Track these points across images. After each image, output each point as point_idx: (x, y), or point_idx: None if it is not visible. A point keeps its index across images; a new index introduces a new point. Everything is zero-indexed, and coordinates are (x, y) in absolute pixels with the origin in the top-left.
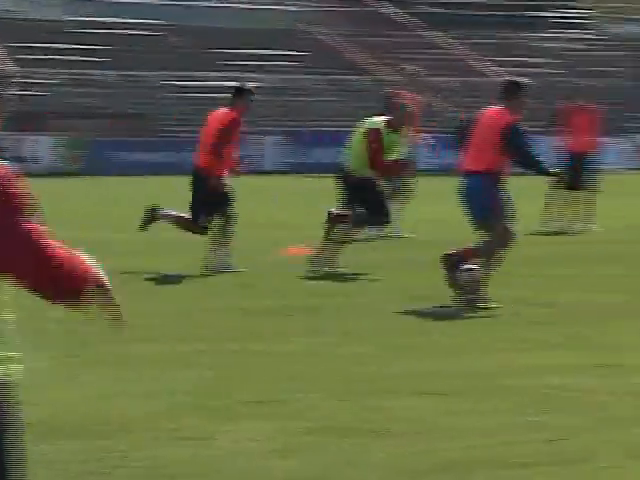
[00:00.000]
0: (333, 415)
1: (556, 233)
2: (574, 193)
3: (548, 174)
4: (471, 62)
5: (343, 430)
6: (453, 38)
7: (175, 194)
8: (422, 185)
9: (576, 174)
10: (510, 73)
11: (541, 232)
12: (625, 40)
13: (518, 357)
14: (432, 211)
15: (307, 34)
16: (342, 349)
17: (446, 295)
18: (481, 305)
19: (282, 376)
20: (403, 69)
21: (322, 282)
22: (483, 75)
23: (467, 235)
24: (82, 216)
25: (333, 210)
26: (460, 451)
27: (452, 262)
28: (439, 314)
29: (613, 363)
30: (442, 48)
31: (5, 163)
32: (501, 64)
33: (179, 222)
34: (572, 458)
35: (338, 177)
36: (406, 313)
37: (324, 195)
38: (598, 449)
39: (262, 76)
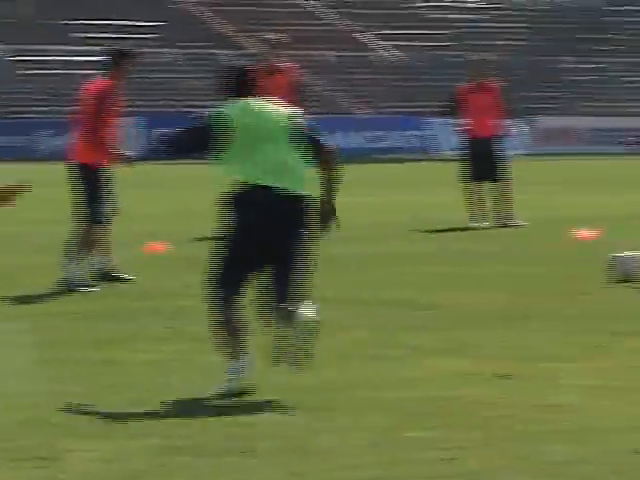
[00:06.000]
0: (191, 433)
1: (452, 229)
2: (487, 184)
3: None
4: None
5: (202, 449)
6: (330, 7)
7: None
8: None
9: (483, 162)
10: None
11: (431, 229)
12: (520, 9)
13: (399, 366)
14: None
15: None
16: (199, 357)
17: None
18: None
19: (134, 388)
20: (268, 39)
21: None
22: (367, 49)
23: None
24: None
25: None
26: (340, 472)
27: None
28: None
29: (505, 373)
30: (319, 19)
31: None
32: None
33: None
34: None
35: None
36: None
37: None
38: (499, 468)
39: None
